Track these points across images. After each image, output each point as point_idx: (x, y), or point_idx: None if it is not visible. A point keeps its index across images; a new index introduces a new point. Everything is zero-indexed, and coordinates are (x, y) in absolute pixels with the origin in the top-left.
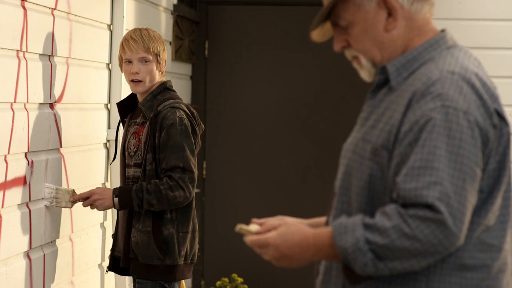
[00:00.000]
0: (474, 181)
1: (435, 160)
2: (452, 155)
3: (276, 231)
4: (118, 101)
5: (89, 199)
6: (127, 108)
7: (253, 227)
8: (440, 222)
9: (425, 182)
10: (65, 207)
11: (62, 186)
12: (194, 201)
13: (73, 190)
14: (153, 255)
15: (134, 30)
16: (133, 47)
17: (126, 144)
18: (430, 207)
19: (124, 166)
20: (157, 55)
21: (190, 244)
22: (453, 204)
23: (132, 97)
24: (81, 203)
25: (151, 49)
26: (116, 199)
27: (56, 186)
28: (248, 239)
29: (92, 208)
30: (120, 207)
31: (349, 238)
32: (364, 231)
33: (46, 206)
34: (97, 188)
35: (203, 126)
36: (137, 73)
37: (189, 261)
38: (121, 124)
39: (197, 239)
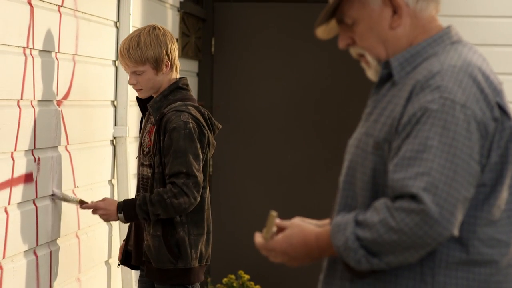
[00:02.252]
0: (468, 174)
1: (426, 151)
2: (445, 146)
3: (282, 234)
4: (124, 98)
5: (95, 212)
6: (147, 103)
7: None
8: (424, 213)
9: (413, 172)
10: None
11: (69, 195)
12: (207, 203)
13: (80, 200)
14: (165, 259)
15: (125, 40)
16: (122, 62)
17: (142, 141)
18: (414, 197)
19: (139, 163)
20: (151, 62)
21: (205, 246)
22: (440, 194)
23: None
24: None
25: (140, 61)
26: (120, 215)
27: (63, 195)
28: (257, 243)
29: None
30: (126, 222)
31: (340, 237)
32: (354, 228)
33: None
34: (103, 201)
35: (219, 125)
36: (134, 84)
37: (204, 263)
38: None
39: (211, 241)
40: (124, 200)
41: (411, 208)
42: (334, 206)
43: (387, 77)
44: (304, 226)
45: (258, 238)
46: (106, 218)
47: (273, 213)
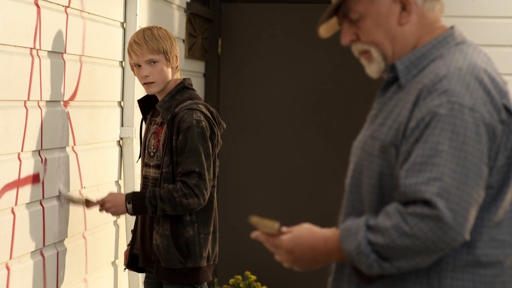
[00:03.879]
0: (479, 178)
1: (437, 155)
2: (456, 150)
3: (290, 234)
4: (131, 98)
5: (103, 207)
6: (148, 105)
7: (273, 224)
8: (438, 218)
9: (425, 177)
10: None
11: (74, 195)
12: (215, 202)
13: (85, 199)
14: (174, 258)
15: (137, 32)
16: (138, 51)
17: (146, 143)
18: (427, 203)
19: (143, 164)
20: (164, 53)
21: (212, 246)
22: (453, 199)
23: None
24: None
25: (157, 49)
26: (129, 205)
27: (68, 196)
28: (262, 238)
29: (107, 212)
30: (134, 214)
31: (352, 241)
32: (366, 233)
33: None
34: (109, 195)
35: (224, 124)
36: (147, 76)
37: (212, 263)
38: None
39: (217, 240)
40: (133, 192)
41: (424, 214)
42: (341, 209)
43: (392, 80)
44: (314, 229)
45: (260, 234)
46: (115, 210)
47: (252, 218)
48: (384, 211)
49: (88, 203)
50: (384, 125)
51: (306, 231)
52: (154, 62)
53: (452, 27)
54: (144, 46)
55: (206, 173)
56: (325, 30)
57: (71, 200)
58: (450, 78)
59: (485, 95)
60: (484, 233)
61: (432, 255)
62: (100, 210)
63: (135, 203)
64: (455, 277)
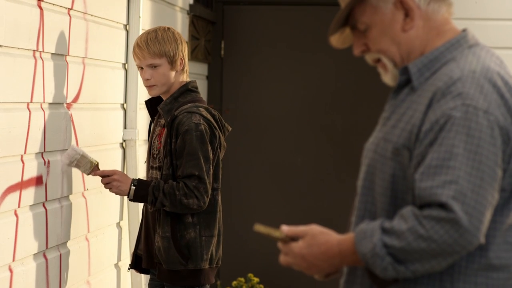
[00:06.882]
0: (494, 181)
1: (452, 158)
2: (471, 153)
3: (303, 240)
4: (134, 101)
5: (109, 178)
6: (156, 106)
7: (278, 232)
8: (454, 221)
9: (441, 181)
10: (82, 172)
11: (89, 155)
12: (219, 205)
13: (97, 163)
14: (175, 260)
15: (141, 35)
16: (139, 55)
17: (151, 145)
18: (443, 206)
19: (149, 166)
20: (167, 57)
21: (216, 248)
22: (469, 202)
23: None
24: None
25: (158, 53)
26: (133, 188)
27: (83, 152)
28: (279, 245)
29: (108, 187)
30: (133, 198)
31: (367, 243)
32: (381, 236)
33: (64, 165)
34: (121, 172)
35: (228, 127)
36: (148, 79)
37: (214, 265)
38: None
39: (221, 243)
40: (140, 178)
41: (440, 217)
42: (353, 211)
43: (405, 82)
44: (326, 232)
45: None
46: (119, 186)
47: (256, 226)
48: (399, 214)
49: (97, 168)
50: (397, 128)
51: (320, 238)
52: (155, 66)
53: (464, 30)
54: (145, 50)
55: (206, 176)
56: (339, 41)
57: (83, 159)
58: (464, 81)
59: (498, 98)
60: (496, 236)
61: (447, 258)
62: (103, 180)
63: (139, 187)
64: (468, 281)
